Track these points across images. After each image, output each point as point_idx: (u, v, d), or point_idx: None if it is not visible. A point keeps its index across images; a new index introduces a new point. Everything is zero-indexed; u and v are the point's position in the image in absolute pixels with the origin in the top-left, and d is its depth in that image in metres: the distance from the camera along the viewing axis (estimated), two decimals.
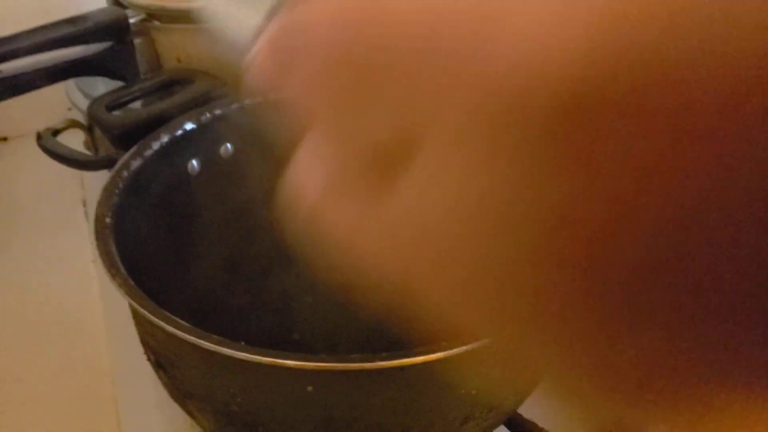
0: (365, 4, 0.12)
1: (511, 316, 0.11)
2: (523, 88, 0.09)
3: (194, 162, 0.47)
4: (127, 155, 0.43)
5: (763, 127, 0.08)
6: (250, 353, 0.28)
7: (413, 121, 0.11)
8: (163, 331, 0.30)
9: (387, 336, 0.26)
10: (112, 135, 0.48)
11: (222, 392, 0.32)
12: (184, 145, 0.46)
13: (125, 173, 0.41)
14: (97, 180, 0.70)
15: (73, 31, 0.53)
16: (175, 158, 0.46)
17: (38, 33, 0.52)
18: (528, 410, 0.40)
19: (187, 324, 0.30)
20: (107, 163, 0.58)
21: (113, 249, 0.35)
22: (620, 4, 0.09)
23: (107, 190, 0.40)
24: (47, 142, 0.54)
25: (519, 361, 0.14)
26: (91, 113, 0.50)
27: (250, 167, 0.47)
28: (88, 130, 0.64)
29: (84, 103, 0.62)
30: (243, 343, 0.29)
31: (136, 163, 0.43)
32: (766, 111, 0.08)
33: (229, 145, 0.49)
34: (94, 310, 0.54)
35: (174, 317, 0.30)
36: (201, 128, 0.47)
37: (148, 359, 0.37)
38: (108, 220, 0.37)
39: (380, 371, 0.30)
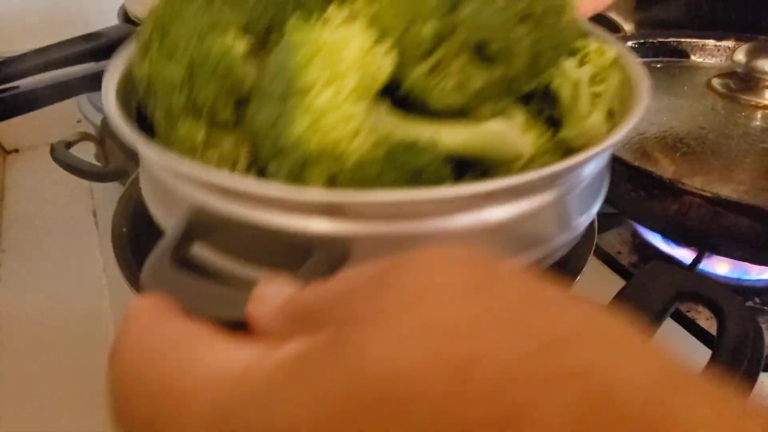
0: None
1: None
2: None
3: None
4: None
5: None
6: None
7: None
8: None
9: None
10: (127, 146, 0.49)
11: None
12: None
13: None
14: (107, 191, 0.72)
15: (87, 47, 0.55)
16: None
17: (53, 50, 0.54)
18: None
19: None
20: (117, 175, 0.60)
21: (130, 256, 0.37)
22: None
23: (123, 201, 0.41)
24: (60, 154, 0.56)
25: None
26: (105, 127, 0.52)
27: None
28: (99, 142, 0.65)
29: (96, 117, 0.63)
30: None
31: None
32: None
33: None
34: (104, 319, 0.55)
35: None
36: None
37: None
38: (124, 229, 0.39)
39: None
